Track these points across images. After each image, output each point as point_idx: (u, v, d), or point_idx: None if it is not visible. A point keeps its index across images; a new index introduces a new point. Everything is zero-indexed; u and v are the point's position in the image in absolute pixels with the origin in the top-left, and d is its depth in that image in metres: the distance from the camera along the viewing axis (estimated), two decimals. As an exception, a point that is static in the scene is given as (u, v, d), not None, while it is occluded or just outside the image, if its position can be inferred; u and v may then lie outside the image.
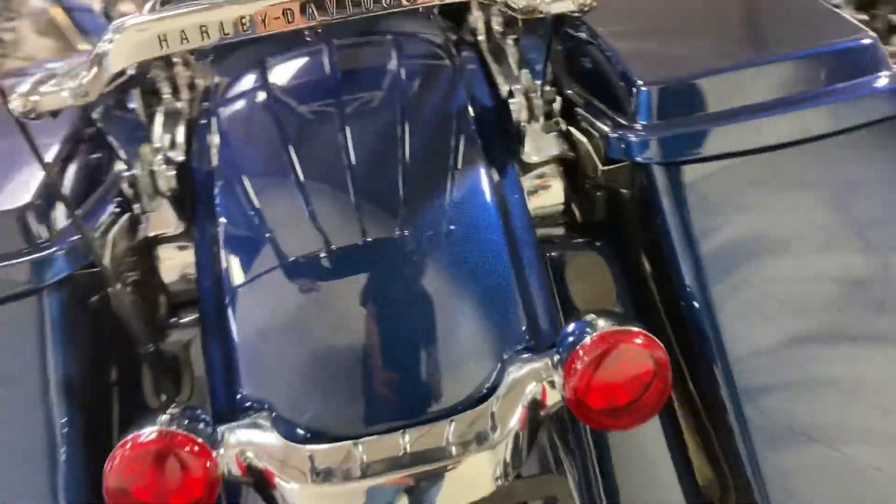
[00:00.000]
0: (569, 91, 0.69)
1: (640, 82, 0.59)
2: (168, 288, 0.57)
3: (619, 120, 0.59)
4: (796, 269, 0.58)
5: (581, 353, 0.46)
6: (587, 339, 0.47)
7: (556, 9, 0.56)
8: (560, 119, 0.63)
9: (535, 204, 0.61)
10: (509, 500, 0.49)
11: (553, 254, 0.60)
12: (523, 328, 0.51)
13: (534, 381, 0.47)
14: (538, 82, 0.63)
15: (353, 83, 0.61)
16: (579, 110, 0.64)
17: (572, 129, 0.63)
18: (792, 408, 0.56)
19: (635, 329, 0.49)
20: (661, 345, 0.49)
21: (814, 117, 0.59)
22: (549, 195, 0.61)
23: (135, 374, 0.54)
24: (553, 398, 0.47)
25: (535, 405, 0.46)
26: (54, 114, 0.50)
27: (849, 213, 0.58)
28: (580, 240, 0.64)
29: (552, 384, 0.47)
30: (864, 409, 0.56)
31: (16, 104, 0.50)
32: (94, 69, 0.51)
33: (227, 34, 0.50)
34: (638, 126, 0.58)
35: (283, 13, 0.49)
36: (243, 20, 0.50)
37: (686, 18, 0.72)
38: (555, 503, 0.51)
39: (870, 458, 0.56)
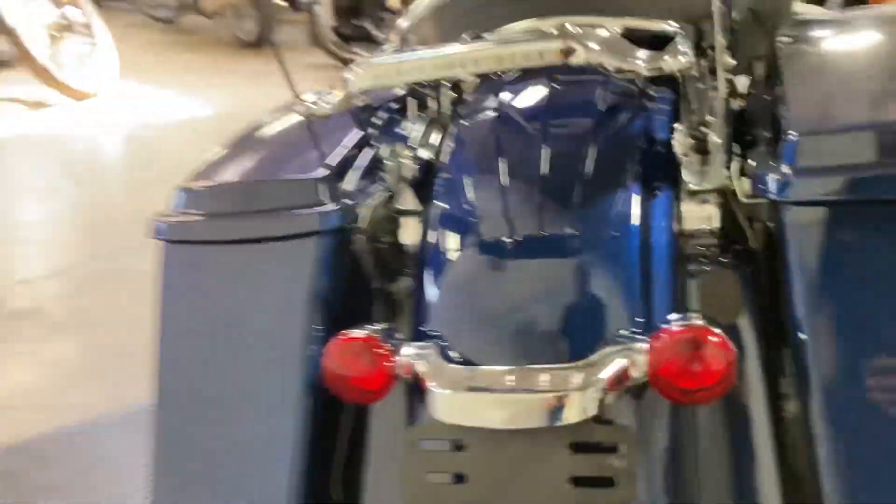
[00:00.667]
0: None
1: (790, 130, 0.67)
2: (402, 248, 0.78)
3: (769, 162, 0.68)
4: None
5: (664, 334, 0.59)
6: (674, 326, 0.60)
7: (648, 72, 0.74)
8: (717, 154, 0.72)
9: (693, 226, 0.73)
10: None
11: (695, 267, 0.73)
12: (637, 318, 0.64)
13: (627, 354, 0.60)
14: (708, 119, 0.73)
15: (559, 110, 0.81)
16: (736, 149, 0.75)
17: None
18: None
19: (716, 330, 0.59)
20: (734, 349, 0.59)
21: None
22: (705, 219, 0.72)
23: (368, 306, 0.78)
24: (637, 372, 0.60)
25: (623, 373, 0.60)
26: (325, 117, 0.78)
27: None
28: (723, 261, 0.73)
29: (639, 362, 0.60)
30: None
31: (300, 110, 0.79)
32: (344, 91, 0.79)
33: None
34: (780, 168, 0.66)
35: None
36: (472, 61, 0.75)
37: (870, 75, 0.79)
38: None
39: None
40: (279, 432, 0.72)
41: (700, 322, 0.60)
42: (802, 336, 0.64)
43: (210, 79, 4.92)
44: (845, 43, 0.92)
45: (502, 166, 0.72)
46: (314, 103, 0.79)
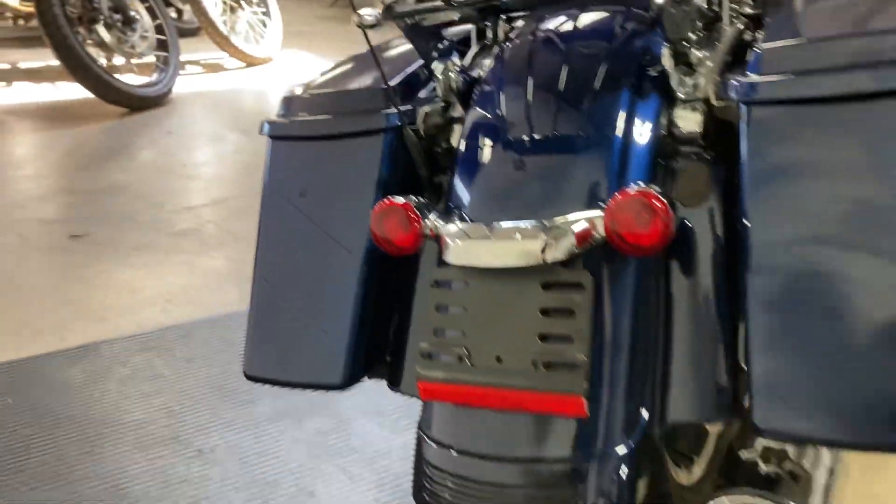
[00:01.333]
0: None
1: (757, 45, 0.76)
2: (450, 149, 0.92)
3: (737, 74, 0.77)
4: (840, 201, 0.69)
5: (619, 195, 0.69)
6: (628, 190, 0.70)
7: None
8: (700, 67, 0.83)
9: (678, 129, 0.82)
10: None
11: (675, 162, 0.82)
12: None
13: (594, 216, 0.71)
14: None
15: (577, 37, 0.92)
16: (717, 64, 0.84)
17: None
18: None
19: (658, 195, 0.69)
20: (671, 212, 0.69)
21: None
22: (689, 123, 0.81)
23: (419, 192, 0.89)
24: (599, 230, 0.71)
25: (588, 230, 0.71)
26: (371, 26, 0.90)
27: None
28: (700, 158, 0.82)
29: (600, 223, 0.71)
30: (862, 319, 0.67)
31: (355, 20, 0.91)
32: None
33: None
34: (744, 76, 0.74)
35: None
36: None
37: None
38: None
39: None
40: (345, 287, 0.88)
41: (649, 189, 0.70)
42: (746, 222, 0.71)
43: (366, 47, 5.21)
44: None
45: (523, 82, 0.86)
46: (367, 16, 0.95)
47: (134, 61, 3.88)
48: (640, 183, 0.74)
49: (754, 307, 0.70)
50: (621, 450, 0.72)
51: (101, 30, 3.69)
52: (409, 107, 0.93)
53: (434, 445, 0.76)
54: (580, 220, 0.72)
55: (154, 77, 3.95)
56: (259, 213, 0.95)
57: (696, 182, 0.82)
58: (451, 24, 1.02)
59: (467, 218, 0.78)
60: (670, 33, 0.82)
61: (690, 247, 0.79)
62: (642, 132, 0.80)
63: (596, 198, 0.75)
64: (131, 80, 3.87)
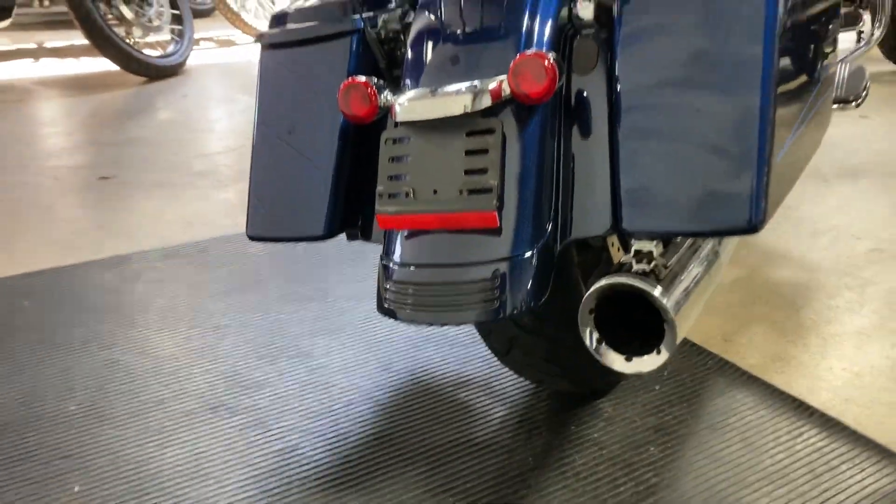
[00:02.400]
0: None
1: None
2: (400, 47, 1.10)
3: None
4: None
5: (518, 56, 0.88)
6: (526, 52, 0.89)
7: None
8: None
9: (580, 15, 0.97)
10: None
11: (576, 41, 0.98)
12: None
13: (500, 78, 0.90)
14: None
15: None
16: None
17: None
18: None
19: (549, 55, 0.88)
20: (556, 67, 0.88)
21: None
22: (586, 11, 0.96)
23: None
24: (507, 87, 0.89)
25: (499, 86, 0.90)
26: None
27: None
28: (594, 35, 0.98)
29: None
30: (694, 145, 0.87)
31: None
32: None
33: None
34: None
35: None
36: None
37: None
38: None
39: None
40: (324, 156, 1.06)
41: (541, 50, 0.89)
42: (617, 74, 0.92)
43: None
44: None
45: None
46: None
47: (151, 35, 4.13)
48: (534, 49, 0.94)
49: (622, 136, 0.92)
50: (528, 254, 0.92)
51: (122, 6, 3.94)
52: (372, 14, 1.10)
53: (392, 265, 0.96)
54: (494, 80, 0.90)
55: (170, 49, 4.20)
56: (255, 104, 1.15)
57: (589, 54, 0.99)
58: None
59: (412, 87, 0.97)
60: None
61: (584, 101, 0.98)
62: (546, 19, 0.99)
63: (509, 63, 0.92)
64: (150, 50, 4.12)
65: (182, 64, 4.23)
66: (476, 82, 0.91)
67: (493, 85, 0.90)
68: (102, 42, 3.81)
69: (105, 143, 3.01)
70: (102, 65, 3.95)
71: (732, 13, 0.87)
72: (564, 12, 0.99)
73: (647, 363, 0.91)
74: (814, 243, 1.92)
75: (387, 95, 0.97)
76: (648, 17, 0.92)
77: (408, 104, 0.93)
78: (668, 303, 0.89)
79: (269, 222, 1.14)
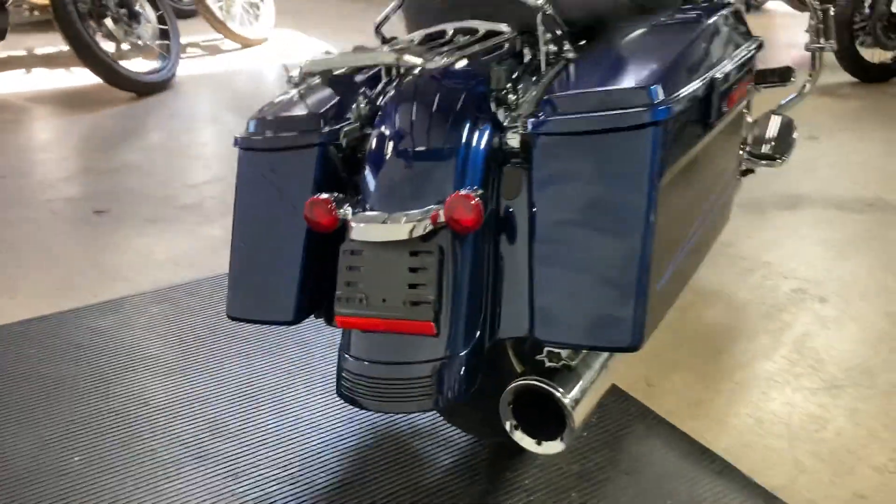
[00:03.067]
0: None
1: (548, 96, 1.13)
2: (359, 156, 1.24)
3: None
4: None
5: (453, 195, 1.05)
6: (460, 191, 1.05)
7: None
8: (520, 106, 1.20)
9: (509, 145, 1.15)
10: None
11: (505, 168, 1.15)
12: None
13: (437, 208, 1.06)
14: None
15: (437, 86, 1.23)
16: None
17: None
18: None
19: (474, 195, 1.04)
20: (481, 205, 1.04)
21: None
22: (513, 142, 1.15)
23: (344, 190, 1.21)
24: (442, 216, 1.05)
25: (436, 215, 1.06)
26: (300, 83, 1.35)
27: None
28: (520, 163, 1.14)
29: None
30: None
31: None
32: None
33: None
34: (536, 116, 1.11)
35: None
36: None
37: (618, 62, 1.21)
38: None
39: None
40: (293, 253, 1.21)
41: (469, 191, 1.04)
42: (534, 207, 1.09)
43: (356, 24, 5.58)
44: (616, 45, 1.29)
45: (406, 112, 1.18)
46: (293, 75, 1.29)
47: (139, 51, 4.28)
48: (469, 186, 1.10)
49: (535, 261, 1.10)
50: (461, 354, 1.10)
51: (109, 23, 4.09)
52: (336, 127, 1.23)
53: (349, 358, 1.15)
54: (432, 209, 1.07)
55: (158, 64, 4.35)
56: (234, 199, 1.31)
57: (515, 181, 1.16)
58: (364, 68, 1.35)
59: (369, 207, 1.12)
60: (493, 85, 1.19)
61: (511, 224, 1.15)
62: (479, 149, 1.15)
63: (446, 194, 1.08)
64: (138, 66, 4.27)
65: (170, 79, 4.39)
66: (418, 212, 1.08)
67: (431, 214, 1.07)
68: (91, 60, 3.97)
69: (98, 170, 3.18)
70: (92, 77, 4.09)
71: (621, 167, 1.05)
72: (497, 141, 1.17)
73: (553, 447, 1.12)
74: (744, 282, 2.12)
75: (346, 209, 1.12)
76: (556, 163, 1.10)
77: (362, 226, 1.10)
78: (568, 402, 1.09)
79: (245, 306, 1.30)
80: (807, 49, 2.43)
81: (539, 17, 1.21)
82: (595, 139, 1.07)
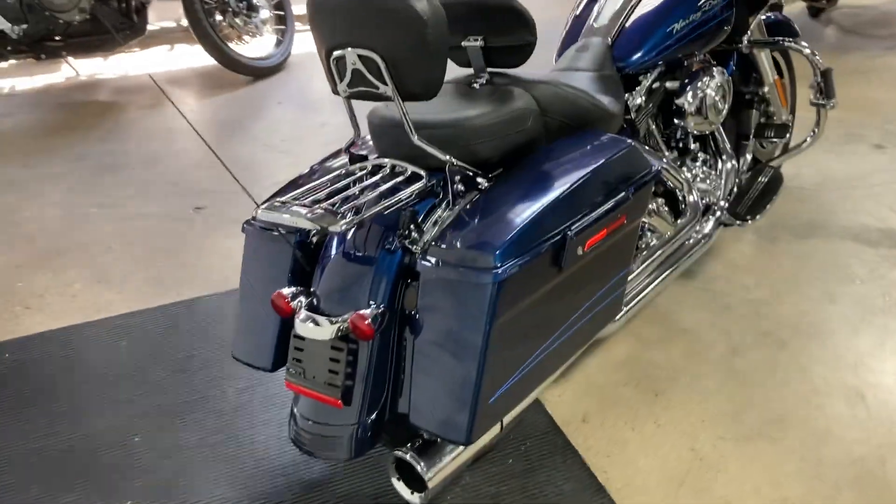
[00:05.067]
0: None
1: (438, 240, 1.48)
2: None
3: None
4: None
5: (356, 313, 1.38)
6: (362, 311, 1.44)
7: None
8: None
9: (416, 269, 1.47)
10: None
11: (414, 284, 1.49)
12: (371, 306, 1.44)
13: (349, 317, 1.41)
14: None
15: (365, 226, 1.57)
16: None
17: None
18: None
19: (369, 315, 1.43)
20: (371, 323, 1.41)
21: None
22: (418, 268, 1.47)
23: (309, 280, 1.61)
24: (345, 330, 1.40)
25: (348, 324, 1.45)
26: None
27: None
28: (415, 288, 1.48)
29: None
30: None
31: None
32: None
33: None
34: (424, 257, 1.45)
35: None
36: None
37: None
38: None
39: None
40: (273, 319, 1.60)
41: (370, 311, 1.41)
42: (418, 324, 1.43)
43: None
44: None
45: (339, 240, 1.53)
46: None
47: (257, 38, 4.81)
48: (375, 302, 1.47)
49: (413, 364, 1.43)
50: (366, 421, 1.51)
51: (234, 19, 4.63)
52: (307, 231, 1.61)
53: (296, 412, 1.59)
54: (348, 317, 1.41)
55: (272, 50, 4.87)
56: (241, 265, 1.73)
57: (412, 298, 1.50)
58: None
59: (314, 305, 1.49)
60: (400, 227, 1.47)
61: (410, 327, 1.49)
62: (389, 271, 1.50)
63: (361, 305, 1.47)
64: (254, 52, 4.81)
65: (283, 62, 4.89)
66: (338, 319, 1.45)
67: (347, 320, 1.45)
68: (214, 51, 4.53)
69: (205, 164, 3.75)
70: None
71: (467, 312, 1.38)
72: (405, 264, 1.51)
73: (416, 500, 1.52)
74: (718, 319, 2.36)
75: (299, 302, 1.53)
76: (429, 297, 1.44)
77: (300, 324, 1.49)
78: (428, 473, 1.48)
79: (242, 351, 1.76)
80: (811, 104, 2.54)
81: (447, 168, 1.52)
82: (453, 285, 1.40)
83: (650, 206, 2.03)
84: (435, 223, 1.54)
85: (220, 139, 4.02)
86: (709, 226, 2.31)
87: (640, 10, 2.12)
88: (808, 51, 2.45)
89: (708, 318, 2.37)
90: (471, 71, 1.81)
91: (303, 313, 1.50)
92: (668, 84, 2.20)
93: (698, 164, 2.34)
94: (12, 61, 4.40)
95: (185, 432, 2.02)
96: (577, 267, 1.53)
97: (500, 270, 1.35)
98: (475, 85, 1.76)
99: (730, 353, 2.21)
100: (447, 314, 1.41)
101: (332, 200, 1.48)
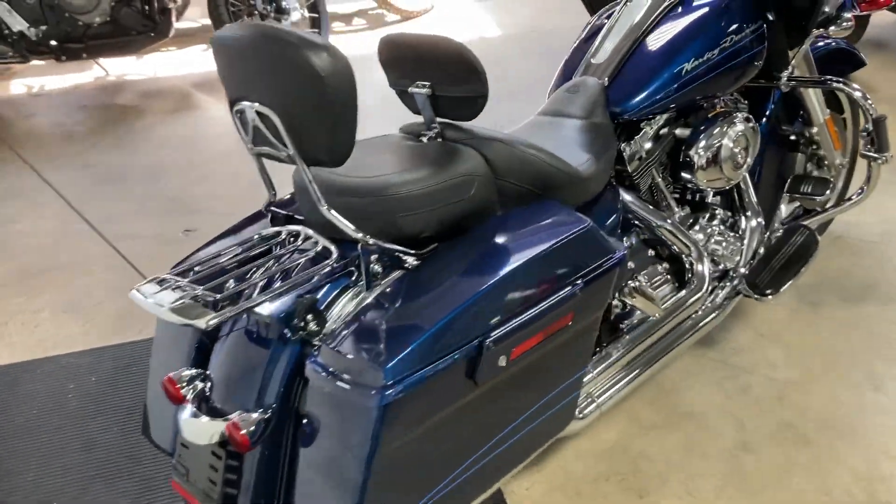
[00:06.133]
0: None
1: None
2: None
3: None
4: None
5: (230, 425, 1.23)
6: (235, 417, 1.23)
7: None
8: None
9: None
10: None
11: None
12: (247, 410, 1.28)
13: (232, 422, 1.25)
14: None
15: (252, 331, 1.38)
16: None
17: None
18: None
19: (243, 425, 1.22)
20: (245, 438, 1.21)
21: None
22: None
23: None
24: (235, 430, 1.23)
25: (226, 428, 1.24)
26: None
27: None
28: None
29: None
30: None
31: None
32: None
33: None
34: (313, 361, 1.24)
35: None
36: None
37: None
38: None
39: None
40: (170, 416, 1.43)
41: (253, 416, 1.22)
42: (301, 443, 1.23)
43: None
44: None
45: (230, 334, 1.34)
46: None
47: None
48: (260, 407, 1.27)
49: (297, 472, 1.25)
50: None
51: (258, 20, 4.43)
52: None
53: None
54: (229, 420, 1.24)
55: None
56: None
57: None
58: None
59: (207, 394, 1.34)
60: (295, 317, 1.26)
61: (300, 429, 1.28)
62: (280, 369, 1.28)
63: (248, 405, 1.28)
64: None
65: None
66: (221, 423, 1.25)
67: (225, 423, 1.25)
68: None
69: (194, 178, 3.58)
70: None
71: (352, 432, 1.15)
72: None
73: None
74: (731, 402, 2.01)
75: (189, 388, 1.35)
76: (315, 405, 1.23)
77: (183, 425, 1.30)
78: None
79: (151, 429, 1.58)
80: (861, 156, 2.16)
81: (359, 247, 1.27)
82: (338, 400, 1.15)
83: (635, 284, 1.70)
84: (344, 311, 1.29)
85: (231, 150, 3.83)
86: (721, 296, 1.97)
87: (647, 47, 1.79)
88: (858, 94, 2.06)
89: (719, 401, 2.03)
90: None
91: (187, 409, 1.31)
92: (679, 131, 1.86)
93: (715, 222, 1.99)
94: (37, 62, 4.32)
95: (105, 497, 1.84)
96: (502, 379, 1.24)
97: (389, 391, 1.10)
98: (424, 138, 1.49)
99: (738, 448, 1.88)
100: (332, 432, 1.19)
101: (218, 281, 1.26)
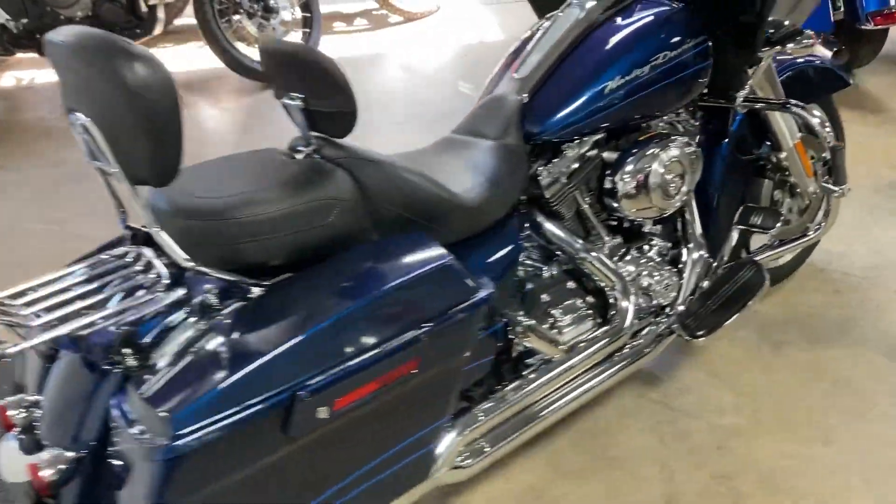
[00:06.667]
0: None
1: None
2: None
3: None
4: None
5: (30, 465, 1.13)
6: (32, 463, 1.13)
7: None
8: None
9: None
10: None
11: None
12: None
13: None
14: None
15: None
16: None
17: None
18: None
19: (38, 469, 1.10)
20: (42, 480, 1.10)
21: None
22: None
23: None
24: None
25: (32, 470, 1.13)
26: None
27: None
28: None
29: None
30: None
31: None
32: None
33: None
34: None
35: None
36: None
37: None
38: None
39: None
40: None
41: (58, 456, 1.12)
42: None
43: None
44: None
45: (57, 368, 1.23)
46: None
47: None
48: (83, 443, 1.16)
49: None
50: None
51: (245, 20, 4.33)
52: None
53: None
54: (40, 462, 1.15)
55: (288, 56, 4.55)
56: None
57: None
58: None
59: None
60: (113, 349, 1.14)
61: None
62: (99, 413, 1.16)
63: (66, 440, 1.17)
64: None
65: (302, 69, 4.57)
66: (31, 461, 1.16)
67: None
68: (223, 53, 4.27)
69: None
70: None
71: (141, 488, 1.03)
72: None
73: None
74: (665, 449, 1.85)
75: (24, 417, 1.25)
76: (118, 451, 1.12)
77: (1, 457, 1.21)
78: None
79: None
80: (819, 187, 1.97)
81: (185, 274, 1.17)
82: (131, 447, 1.06)
83: (529, 322, 1.55)
84: (173, 344, 1.17)
85: (207, 152, 3.72)
86: (651, 334, 1.80)
87: (571, 62, 1.64)
88: (816, 120, 1.88)
89: (653, 447, 1.86)
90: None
91: (10, 440, 1.20)
92: (606, 154, 1.70)
93: (652, 253, 1.82)
94: (31, 54, 4.27)
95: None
96: (332, 430, 1.11)
97: (177, 443, 0.98)
98: (299, 154, 1.36)
99: (662, 502, 1.71)
100: (130, 482, 1.09)
101: (47, 305, 1.16)
